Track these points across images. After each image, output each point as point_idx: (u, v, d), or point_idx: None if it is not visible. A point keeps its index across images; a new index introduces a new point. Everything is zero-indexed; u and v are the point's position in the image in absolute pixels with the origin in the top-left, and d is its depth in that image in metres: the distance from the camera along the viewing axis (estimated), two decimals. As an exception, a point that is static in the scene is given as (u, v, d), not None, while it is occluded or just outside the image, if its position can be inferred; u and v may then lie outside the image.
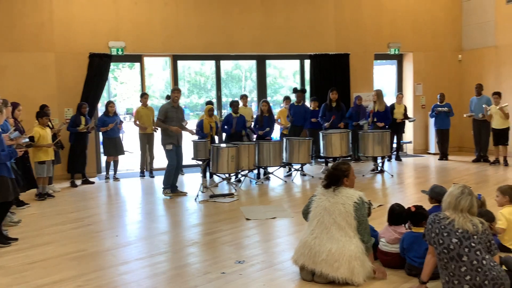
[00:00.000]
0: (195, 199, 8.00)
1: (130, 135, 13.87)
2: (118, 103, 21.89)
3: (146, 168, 10.62)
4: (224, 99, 13.17)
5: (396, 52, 12.86)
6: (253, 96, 13.76)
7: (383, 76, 13.85)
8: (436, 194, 4.82)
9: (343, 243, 4.10)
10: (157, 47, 11.10)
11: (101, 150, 10.48)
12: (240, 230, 6.15)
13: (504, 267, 3.81)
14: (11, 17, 10.06)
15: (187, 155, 9.13)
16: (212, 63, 12.48)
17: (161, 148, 8.54)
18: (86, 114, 9.80)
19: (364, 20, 12.45)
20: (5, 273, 4.75)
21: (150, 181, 10.11)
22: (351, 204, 4.15)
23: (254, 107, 13.28)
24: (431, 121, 12.21)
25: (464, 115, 11.43)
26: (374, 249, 4.45)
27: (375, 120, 10.44)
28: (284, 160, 9.66)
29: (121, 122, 10.47)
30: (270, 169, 9.84)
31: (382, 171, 9.99)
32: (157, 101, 21.26)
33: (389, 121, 10.58)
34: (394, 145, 11.76)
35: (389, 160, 11.54)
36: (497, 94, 10.41)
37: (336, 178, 4.32)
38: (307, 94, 11.59)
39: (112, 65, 12.43)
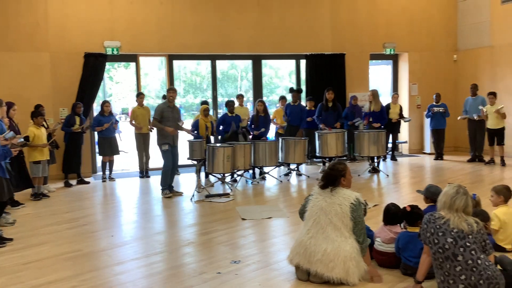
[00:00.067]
0: (191, 199, 7.99)
1: (127, 135, 13.82)
2: (114, 103, 21.86)
3: (143, 168, 10.59)
4: (220, 99, 13.15)
5: (392, 52, 12.89)
6: (249, 96, 13.75)
7: (379, 76, 13.88)
8: (431, 194, 4.84)
9: (339, 243, 4.10)
10: (153, 47, 11.08)
11: (97, 150, 10.45)
12: (236, 230, 6.15)
13: (499, 267, 3.83)
14: (5, 17, 10.02)
15: (183, 155, 9.12)
16: (208, 63, 12.46)
17: (157, 148, 8.53)
18: (81, 114, 9.78)
19: (359, 20, 12.47)
20: (0, 274, 4.73)
21: (146, 181, 10.09)
22: (348, 205, 4.15)
23: (249, 106, 13.28)
24: (427, 121, 12.25)
25: (458, 118, 11.43)
26: (370, 249, 4.45)
27: (370, 120, 10.46)
28: (280, 160, 9.67)
29: (117, 122, 10.44)
30: (266, 169, 9.84)
31: (377, 171, 10.00)
32: (152, 101, 21.22)
33: (385, 121, 10.60)
34: (390, 145, 11.78)
35: (384, 160, 11.57)
36: (493, 94, 10.45)
37: (333, 178, 4.31)
38: (303, 94, 11.60)
39: (108, 65, 12.39)
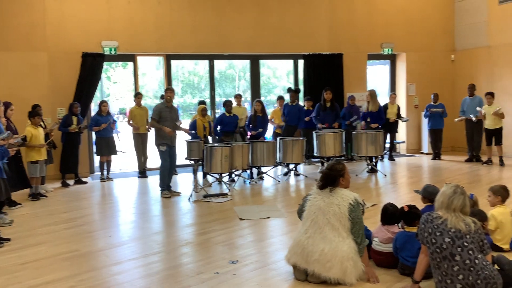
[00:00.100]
0: (189, 199, 7.99)
1: (125, 135, 13.81)
2: (111, 103, 21.82)
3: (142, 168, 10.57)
4: (217, 99, 13.16)
5: (389, 52, 12.91)
6: (246, 96, 13.76)
7: (376, 76, 13.90)
8: (429, 194, 4.84)
9: (336, 243, 4.10)
10: (151, 47, 11.06)
11: (94, 150, 10.43)
12: (233, 230, 6.15)
13: (496, 266, 3.84)
14: (3, 17, 9.99)
15: (181, 155, 9.11)
16: (205, 62, 12.44)
17: (155, 148, 8.52)
18: (78, 114, 9.77)
19: (357, 20, 12.48)
20: (-3, 274, 4.73)
21: (144, 181, 10.08)
22: (346, 205, 4.15)
23: (247, 106, 13.28)
24: (424, 121, 12.26)
25: (455, 120, 11.42)
26: (368, 249, 4.45)
27: (368, 120, 10.46)
28: (278, 160, 9.67)
29: (114, 121, 10.43)
30: (263, 169, 9.84)
31: (375, 171, 10.01)
32: (150, 101, 21.18)
33: (383, 121, 10.60)
34: (387, 145, 11.79)
35: (382, 160, 11.58)
36: (490, 95, 10.45)
37: (332, 178, 4.31)
38: (301, 94, 11.60)
39: (105, 65, 12.40)
